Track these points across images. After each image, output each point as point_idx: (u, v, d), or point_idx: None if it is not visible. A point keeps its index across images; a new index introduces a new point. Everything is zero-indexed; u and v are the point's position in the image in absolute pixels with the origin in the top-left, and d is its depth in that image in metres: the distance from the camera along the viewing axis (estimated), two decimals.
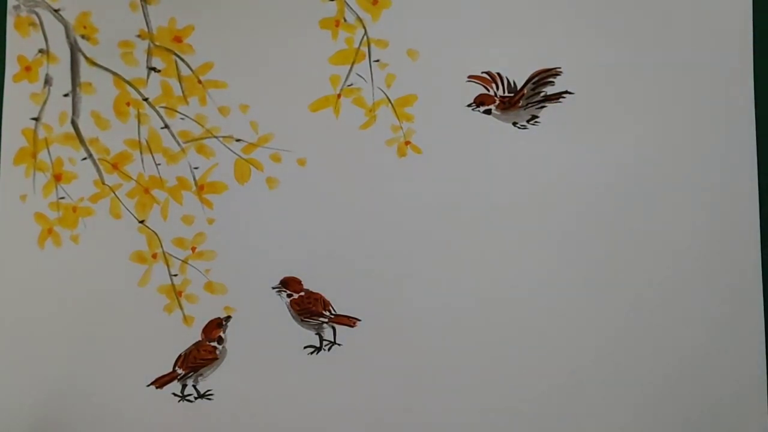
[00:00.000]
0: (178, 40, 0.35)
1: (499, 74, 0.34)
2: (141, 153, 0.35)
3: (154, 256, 0.35)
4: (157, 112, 0.35)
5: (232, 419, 0.34)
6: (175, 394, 0.34)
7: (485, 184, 0.34)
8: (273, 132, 0.35)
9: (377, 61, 0.35)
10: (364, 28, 0.35)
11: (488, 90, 0.34)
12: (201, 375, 0.34)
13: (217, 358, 0.34)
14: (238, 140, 0.35)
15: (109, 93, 0.35)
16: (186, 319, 0.35)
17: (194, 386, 0.34)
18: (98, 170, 0.35)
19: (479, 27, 0.34)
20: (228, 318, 0.34)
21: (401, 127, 0.35)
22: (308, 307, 0.34)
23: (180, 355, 0.34)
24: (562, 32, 0.34)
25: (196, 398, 0.34)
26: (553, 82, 0.34)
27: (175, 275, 0.35)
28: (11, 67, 0.35)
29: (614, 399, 0.33)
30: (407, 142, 0.35)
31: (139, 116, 0.35)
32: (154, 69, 0.35)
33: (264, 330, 0.34)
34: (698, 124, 0.33)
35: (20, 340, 0.35)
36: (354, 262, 0.34)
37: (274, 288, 0.34)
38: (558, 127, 0.34)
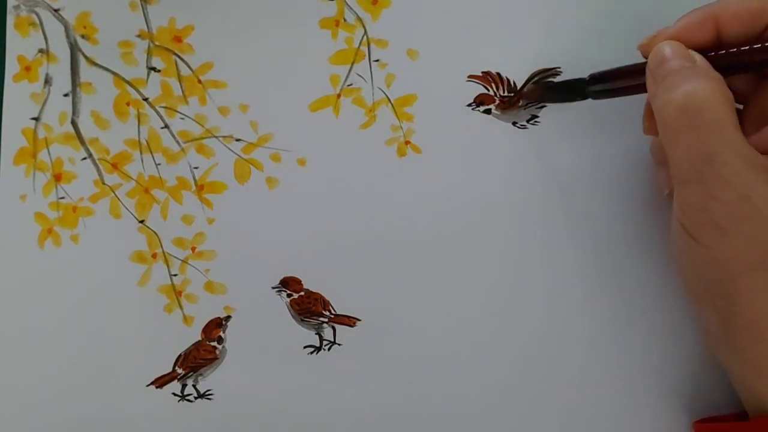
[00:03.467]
0: (177, 40, 0.35)
1: (498, 74, 0.34)
2: (141, 153, 0.35)
3: (154, 256, 0.35)
4: (157, 112, 0.35)
5: (232, 419, 0.34)
6: (175, 394, 0.34)
7: (485, 183, 0.34)
8: (273, 132, 0.35)
9: (377, 60, 0.35)
10: (364, 27, 0.35)
11: (488, 90, 0.34)
12: (201, 375, 0.34)
13: (217, 358, 0.34)
14: (238, 140, 0.35)
15: (109, 93, 0.35)
16: (186, 319, 0.35)
17: (194, 386, 0.34)
18: (98, 170, 0.35)
19: (479, 27, 0.34)
20: (228, 318, 0.34)
21: (401, 127, 0.35)
22: (308, 306, 0.34)
23: (180, 355, 0.34)
24: (562, 32, 0.34)
25: (196, 398, 0.34)
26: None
27: (175, 275, 0.35)
28: (11, 67, 0.35)
29: (620, 401, 0.33)
30: (407, 142, 0.35)
31: (139, 116, 0.35)
32: (154, 69, 0.35)
33: (264, 330, 0.34)
34: None
35: (19, 340, 0.35)
36: (354, 262, 0.34)
37: (274, 288, 0.34)
38: (558, 127, 0.34)
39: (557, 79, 0.34)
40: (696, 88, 0.25)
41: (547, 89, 0.33)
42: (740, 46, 0.26)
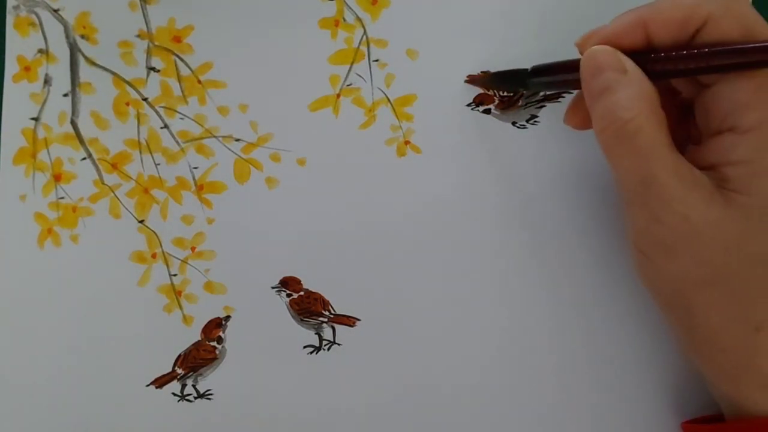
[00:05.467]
0: (177, 40, 0.35)
1: None
2: (140, 153, 0.35)
3: (154, 256, 0.35)
4: (157, 112, 0.35)
5: (232, 419, 0.34)
6: (174, 394, 0.34)
7: (485, 183, 0.34)
8: (272, 132, 0.35)
9: (377, 60, 0.35)
10: (364, 27, 0.35)
11: (487, 90, 0.34)
12: (200, 375, 0.34)
13: (216, 358, 0.34)
14: (237, 140, 0.35)
15: (109, 93, 0.35)
16: (186, 319, 0.35)
17: (194, 386, 0.34)
18: (98, 170, 0.35)
19: (479, 27, 0.34)
20: (228, 318, 0.34)
21: (401, 127, 0.35)
22: (308, 306, 0.34)
23: (179, 355, 0.34)
24: (561, 31, 0.34)
25: (195, 398, 0.34)
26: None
27: (175, 275, 0.35)
28: (11, 67, 0.35)
29: (609, 402, 0.33)
30: (407, 142, 0.35)
31: (138, 116, 0.35)
32: (153, 69, 0.35)
33: (264, 330, 0.34)
34: None
35: (19, 340, 0.35)
36: (354, 262, 0.34)
37: (273, 288, 0.34)
38: (558, 127, 0.34)
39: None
40: (630, 115, 0.25)
41: (492, 78, 0.34)
42: (669, 51, 0.26)
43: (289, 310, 0.34)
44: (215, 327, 0.34)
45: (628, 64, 0.26)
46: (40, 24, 0.35)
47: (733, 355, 0.26)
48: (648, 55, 0.26)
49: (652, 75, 0.26)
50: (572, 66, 0.28)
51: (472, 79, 0.34)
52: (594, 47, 0.27)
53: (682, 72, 0.26)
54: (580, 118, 0.30)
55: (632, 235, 0.27)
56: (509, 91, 0.34)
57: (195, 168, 0.35)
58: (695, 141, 0.28)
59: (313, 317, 0.34)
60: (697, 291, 0.26)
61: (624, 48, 0.27)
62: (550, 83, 0.31)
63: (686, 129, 0.29)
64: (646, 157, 0.25)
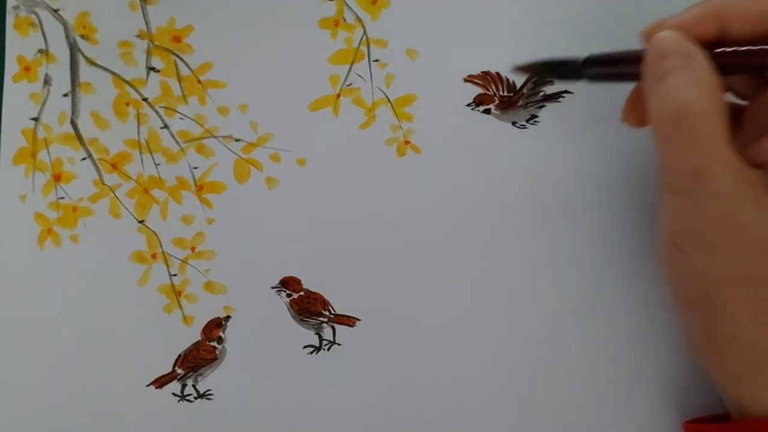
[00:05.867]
0: (177, 39, 0.35)
1: (498, 74, 0.34)
2: (140, 153, 0.35)
3: (154, 256, 0.35)
4: (157, 112, 0.35)
5: (232, 419, 0.34)
6: (174, 394, 0.34)
7: (485, 183, 0.34)
8: (272, 132, 0.35)
9: (377, 60, 0.35)
10: (364, 27, 0.35)
11: (487, 90, 0.34)
12: (201, 375, 0.34)
13: (216, 358, 0.34)
14: (237, 140, 0.35)
15: (109, 93, 0.35)
16: (186, 319, 0.35)
17: (194, 386, 0.34)
18: (98, 170, 0.35)
19: (479, 27, 0.34)
20: (228, 318, 0.34)
21: (401, 127, 0.35)
22: (308, 306, 0.34)
23: (179, 355, 0.34)
24: (561, 31, 0.34)
25: (195, 398, 0.34)
26: (552, 81, 0.34)
27: (175, 275, 0.35)
28: (11, 67, 0.35)
29: (611, 401, 0.33)
30: (407, 142, 0.35)
31: (138, 116, 0.35)
32: (153, 69, 0.35)
33: (264, 330, 0.34)
34: None
35: (19, 340, 0.35)
36: (354, 261, 0.34)
37: (273, 288, 0.34)
38: (558, 127, 0.34)
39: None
40: (692, 99, 0.24)
41: (540, 67, 0.33)
42: (743, 45, 0.25)
43: (289, 310, 0.34)
44: (215, 327, 0.34)
45: (696, 52, 0.25)
46: (40, 24, 0.35)
47: (748, 356, 0.26)
48: (719, 47, 0.25)
49: (723, 68, 0.25)
50: (633, 57, 0.27)
51: (520, 68, 0.32)
52: (663, 32, 0.26)
53: (754, 67, 0.25)
54: (639, 113, 0.28)
55: (669, 226, 0.26)
56: (560, 78, 0.33)
57: (195, 168, 0.35)
58: (740, 144, 0.27)
59: (313, 317, 0.34)
60: (725, 289, 0.25)
61: (694, 38, 0.26)
62: (608, 74, 0.29)
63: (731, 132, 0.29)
64: (703, 146, 0.24)
